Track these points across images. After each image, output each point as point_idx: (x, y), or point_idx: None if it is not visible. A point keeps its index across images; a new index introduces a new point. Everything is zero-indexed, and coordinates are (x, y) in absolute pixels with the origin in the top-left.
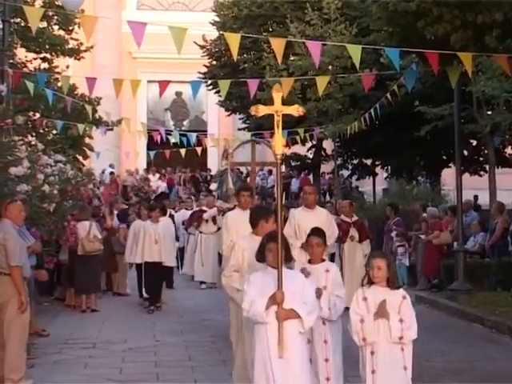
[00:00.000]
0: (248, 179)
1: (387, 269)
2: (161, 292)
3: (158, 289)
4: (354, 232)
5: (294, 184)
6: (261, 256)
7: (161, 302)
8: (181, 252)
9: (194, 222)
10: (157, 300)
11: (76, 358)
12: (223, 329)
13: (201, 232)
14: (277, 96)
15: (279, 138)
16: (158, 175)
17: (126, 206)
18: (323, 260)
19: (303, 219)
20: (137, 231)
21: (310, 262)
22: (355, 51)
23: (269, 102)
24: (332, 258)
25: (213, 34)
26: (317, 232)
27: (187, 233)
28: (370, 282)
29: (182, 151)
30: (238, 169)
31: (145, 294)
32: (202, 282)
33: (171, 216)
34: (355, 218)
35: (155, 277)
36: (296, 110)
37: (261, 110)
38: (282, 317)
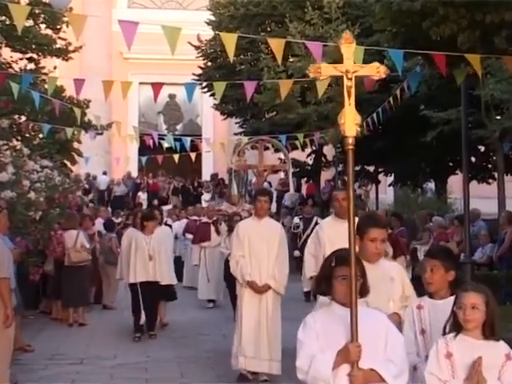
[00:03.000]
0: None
1: (485, 308)
2: (156, 317)
3: (152, 312)
4: (387, 246)
5: (288, 199)
6: (325, 287)
7: (161, 322)
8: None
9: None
10: (151, 326)
11: (63, 375)
12: (218, 344)
13: (204, 247)
14: (347, 50)
15: (351, 113)
16: (156, 201)
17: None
18: (452, 293)
19: (334, 232)
20: (129, 243)
21: (431, 295)
22: (357, 53)
23: (267, 104)
24: None
25: (208, 33)
26: (441, 253)
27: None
28: (457, 329)
29: (176, 157)
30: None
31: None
32: (209, 301)
33: (168, 225)
34: (388, 230)
35: (150, 299)
36: (375, 71)
37: (324, 71)
38: (358, 382)
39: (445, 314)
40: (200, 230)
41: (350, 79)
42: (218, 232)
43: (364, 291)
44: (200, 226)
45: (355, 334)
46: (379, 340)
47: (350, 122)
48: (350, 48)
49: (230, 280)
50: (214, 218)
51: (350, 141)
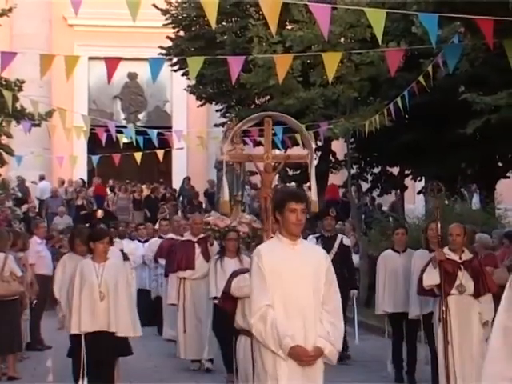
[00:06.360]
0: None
1: None
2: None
3: (107, 378)
4: (465, 279)
5: None
6: None
7: None
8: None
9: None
10: None
11: None
12: None
13: (184, 278)
14: None
15: None
16: (100, 212)
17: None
18: None
19: None
20: (68, 274)
21: None
22: (377, 18)
23: (258, 86)
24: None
25: None
26: None
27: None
28: None
29: (137, 156)
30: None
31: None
32: (193, 361)
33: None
34: (468, 255)
35: (104, 357)
36: None
37: None
38: None
39: None
40: (179, 253)
41: None
42: (206, 256)
43: None
44: (179, 247)
45: None
46: None
47: None
48: None
49: (219, 330)
50: (201, 236)
51: None
